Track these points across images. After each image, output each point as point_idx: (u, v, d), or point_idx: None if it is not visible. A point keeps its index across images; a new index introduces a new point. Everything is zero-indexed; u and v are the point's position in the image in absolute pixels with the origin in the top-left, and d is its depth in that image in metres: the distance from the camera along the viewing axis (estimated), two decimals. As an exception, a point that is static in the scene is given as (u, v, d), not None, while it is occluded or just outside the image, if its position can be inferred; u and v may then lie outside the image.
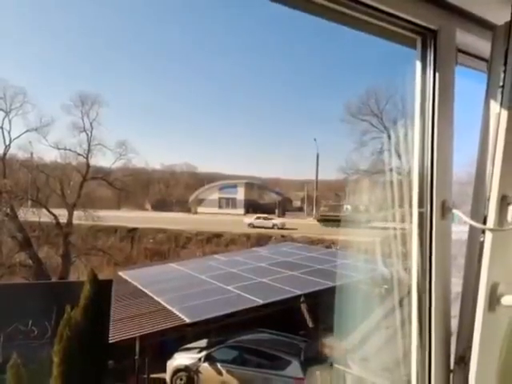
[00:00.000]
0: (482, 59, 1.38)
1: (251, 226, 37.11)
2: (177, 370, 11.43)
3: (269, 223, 37.24)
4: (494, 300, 1.27)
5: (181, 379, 11.31)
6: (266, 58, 63.74)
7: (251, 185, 53.06)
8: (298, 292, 12.25)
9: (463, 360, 1.32)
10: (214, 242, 30.48)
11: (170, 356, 11.79)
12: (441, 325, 1.37)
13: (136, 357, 10.05)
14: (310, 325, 14.36)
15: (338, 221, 38.06)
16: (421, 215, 1.37)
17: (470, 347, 1.30)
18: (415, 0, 1.20)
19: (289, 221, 39.22)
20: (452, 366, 1.38)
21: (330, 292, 10.41)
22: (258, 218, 39.18)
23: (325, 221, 38.04)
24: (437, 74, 1.31)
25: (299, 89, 69.60)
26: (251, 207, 48.62)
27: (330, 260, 15.48)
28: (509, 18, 1.21)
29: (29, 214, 24.73)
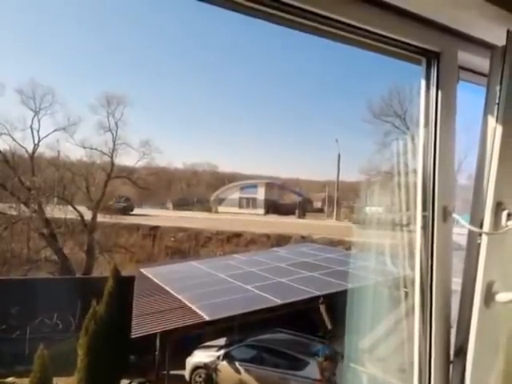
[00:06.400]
0: (484, 75, 1.48)
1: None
2: (196, 367, 11.62)
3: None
4: (489, 297, 1.38)
5: (200, 376, 11.49)
6: (289, 58, 63.66)
7: (272, 185, 53.03)
8: (317, 293, 12.27)
9: (462, 351, 1.43)
10: (234, 241, 30.63)
11: (189, 353, 11.99)
12: (441, 319, 1.48)
13: (156, 352, 10.27)
14: (329, 326, 14.34)
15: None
16: (424, 218, 1.50)
17: (467, 340, 1.41)
18: (420, 26, 1.32)
19: (309, 222, 39.11)
20: (452, 358, 1.49)
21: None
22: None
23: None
24: (440, 91, 1.43)
25: (321, 89, 69.18)
26: (271, 207, 48.70)
27: (349, 262, 15.44)
28: (505, 42, 1.31)
29: (55, 211, 25.38)
